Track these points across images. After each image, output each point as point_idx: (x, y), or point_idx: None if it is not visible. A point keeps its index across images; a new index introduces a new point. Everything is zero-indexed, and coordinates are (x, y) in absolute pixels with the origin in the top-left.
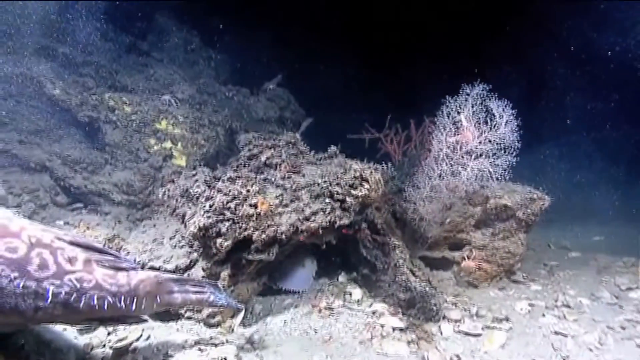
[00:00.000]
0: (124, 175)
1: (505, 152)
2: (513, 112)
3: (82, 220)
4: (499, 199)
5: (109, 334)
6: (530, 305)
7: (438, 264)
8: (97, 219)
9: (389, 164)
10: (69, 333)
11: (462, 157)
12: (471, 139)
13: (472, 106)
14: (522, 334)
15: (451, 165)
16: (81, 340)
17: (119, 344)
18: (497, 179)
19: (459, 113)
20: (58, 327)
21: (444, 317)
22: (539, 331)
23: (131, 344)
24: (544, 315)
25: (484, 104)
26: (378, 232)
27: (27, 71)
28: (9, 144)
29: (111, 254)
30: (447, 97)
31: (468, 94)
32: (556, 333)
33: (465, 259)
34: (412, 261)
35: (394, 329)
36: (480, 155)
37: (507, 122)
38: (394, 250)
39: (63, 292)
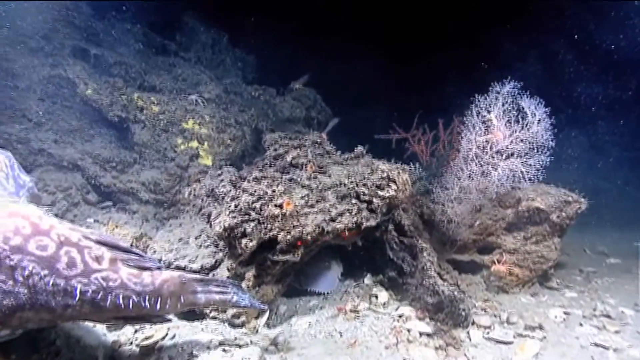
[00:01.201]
0: (151, 174)
1: (538, 151)
2: (546, 110)
3: (111, 218)
4: (532, 201)
5: (135, 331)
6: (566, 313)
7: (467, 268)
8: (125, 218)
9: (417, 165)
10: (98, 330)
11: (493, 157)
12: (502, 138)
13: (503, 104)
14: (557, 344)
15: (481, 166)
16: (109, 337)
17: (146, 342)
18: (530, 179)
19: (489, 112)
20: (87, 324)
21: (473, 323)
22: (576, 342)
23: (157, 342)
24: (581, 324)
25: (515, 101)
26: (405, 234)
27: (62, 72)
28: (45, 143)
29: (136, 253)
30: (477, 95)
31: (498, 92)
32: (596, 345)
33: (495, 263)
34: (439, 264)
35: (421, 333)
36: (512, 154)
37: (540, 120)
38: (421, 252)
39: (90, 291)
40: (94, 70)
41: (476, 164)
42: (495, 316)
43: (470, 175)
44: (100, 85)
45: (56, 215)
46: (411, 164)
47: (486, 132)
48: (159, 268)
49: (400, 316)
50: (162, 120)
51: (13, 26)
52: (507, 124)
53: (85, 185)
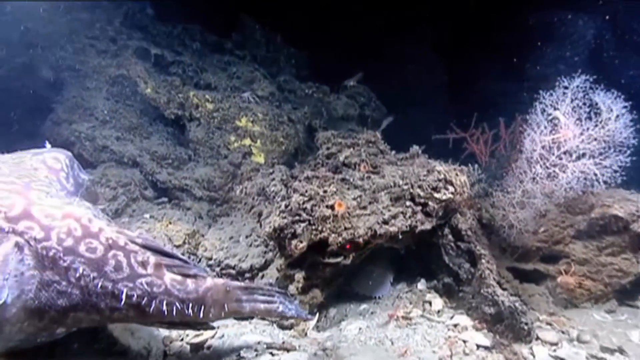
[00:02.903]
0: (205, 171)
1: (615, 151)
2: (625, 104)
3: (165, 214)
4: (607, 207)
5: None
6: None
7: (529, 277)
8: (178, 214)
9: (475, 166)
10: None
11: (560, 158)
12: (571, 137)
13: (572, 100)
14: None
15: (547, 168)
16: (161, 332)
17: (195, 340)
18: (605, 182)
19: (555, 109)
20: None
21: (537, 338)
22: None
23: (206, 340)
24: None
25: (586, 97)
26: (462, 238)
27: (125, 72)
28: (108, 140)
29: (180, 259)
30: (541, 92)
31: (566, 87)
32: None
33: (562, 274)
34: (499, 272)
35: (478, 346)
36: (583, 155)
37: (617, 116)
38: (479, 259)
39: (135, 295)
40: (153, 69)
41: (541, 166)
42: (563, 332)
43: (534, 178)
44: (159, 84)
45: (116, 210)
46: (469, 164)
47: (553, 131)
48: (203, 276)
49: (455, 325)
50: (216, 118)
51: (90, 30)
52: (578, 122)
53: (143, 181)
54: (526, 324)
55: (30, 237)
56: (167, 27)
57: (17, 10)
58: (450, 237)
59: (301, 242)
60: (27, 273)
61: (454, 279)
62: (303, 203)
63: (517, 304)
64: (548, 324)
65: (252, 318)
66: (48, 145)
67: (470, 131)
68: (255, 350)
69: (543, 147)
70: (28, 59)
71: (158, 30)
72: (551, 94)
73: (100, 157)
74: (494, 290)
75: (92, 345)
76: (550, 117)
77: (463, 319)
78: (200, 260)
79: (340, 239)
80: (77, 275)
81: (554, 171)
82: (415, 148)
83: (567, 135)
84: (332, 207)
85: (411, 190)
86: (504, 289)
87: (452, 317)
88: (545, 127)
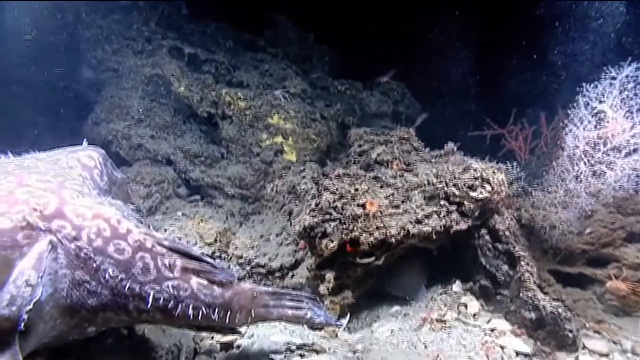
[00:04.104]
0: (237, 169)
1: None
2: None
3: (198, 212)
4: None
5: None
6: None
7: (573, 281)
8: (210, 212)
9: (514, 163)
10: None
11: (607, 155)
12: (620, 132)
13: (621, 91)
14: None
15: (592, 165)
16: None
17: (225, 339)
18: None
19: (601, 102)
20: None
21: (583, 347)
22: None
23: (236, 339)
24: None
25: (637, 87)
26: (500, 239)
27: (160, 72)
28: (143, 139)
29: (208, 263)
30: (584, 85)
31: (614, 77)
32: None
33: (612, 278)
34: (540, 275)
35: (517, 353)
36: (634, 151)
37: None
38: (518, 261)
39: (162, 298)
40: (187, 68)
41: (585, 164)
42: (614, 343)
43: (577, 177)
44: (192, 82)
45: (150, 208)
46: (508, 162)
47: (598, 126)
48: (230, 280)
49: (492, 330)
50: (248, 116)
51: (128, 31)
52: (628, 115)
53: (176, 179)
54: (571, 331)
55: (62, 236)
56: (200, 26)
57: (66, 13)
58: (487, 237)
59: (332, 241)
60: (60, 271)
61: (491, 281)
62: (334, 201)
63: (560, 310)
64: (596, 332)
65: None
66: (85, 143)
67: (509, 127)
68: (285, 351)
69: (587, 144)
70: (72, 60)
71: (192, 30)
72: (596, 86)
73: (136, 155)
74: (535, 294)
75: (125, 342)
76: (594, 111)
77: (501, 324)
78: (230, 258)
79: (371, 238)
80: (106, 276)
81: (600, 169)
82: (450, 145)
83: (616, 129)
84: (363, 206)
85: (446, 188)
86: (546, 293)
87: (489, 321)
88: (589, 122)
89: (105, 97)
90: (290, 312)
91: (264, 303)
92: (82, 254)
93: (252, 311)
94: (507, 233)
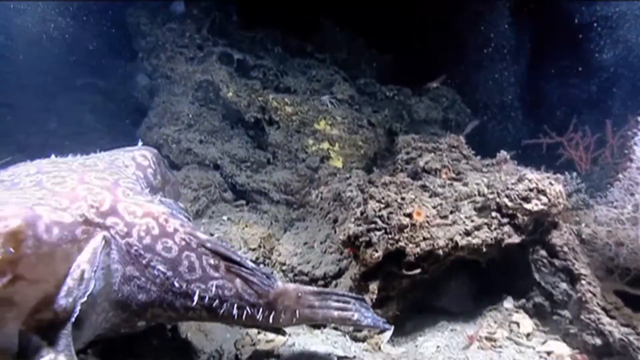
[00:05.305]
0: (282, 175)
1: None
2: None
3: (242, 217)
4: None
5: (258, 332)
6: None
7: None
8: (255, 217)
9: (573, 174)
10: (223, 326)
11: None
12: None
13: None
14: None
15: None
16: (234, 335)
17: (266, 347)
18: None
19: None
20: None
21: None
22: None
23: (277, 347)
24: None
25: None
26: (557, 255)
27: (209, 78)
28: (192, 143)
29: (249, 268)
30: None
31: None
32: None
33: None
34: (604, 296)
35: None
36: None
37: None
38: (578, 279)
39: (207, 297)
40: (236, 73)
41: None
42: None
43: None
44: (240, 88)
45: (197, 212)
46: (566, 172)
47: None
48: (271, 285)
49: (549, 353)
50: (295, 121)
51: (181, 38)
52: None
53: (223, 183)
54: None
55: (115, 232)
56: (250, 33)
57: (126, 25)
58: (542, 252)
59: (376, 251)
60: (112, 266)
61: (547, 299)
62: (379, 210)
63: (631, 338)
64: None
65: (324, 327)
66: (140, 143)
67: (568, 135)
68: None
69: None
70: (130, 68)
71: (241, 36)
72: None
73: (185, 160)
74: (599, 318)
75: (169, 344)
76: None
77: (558, 346)
78: (274, 265)
79: (418, 249)
80: (155, 272)
81: None
82: (502, 153)
83: None
84: (410, 216)
85: (497, 199)
86: (612, 317)
87: (544, 343)
88: None
89: (158, 102)
90: (336, 313)
91: (309, 304)
92: (132, 251)
93: (297, 312)
94: (565, 249)
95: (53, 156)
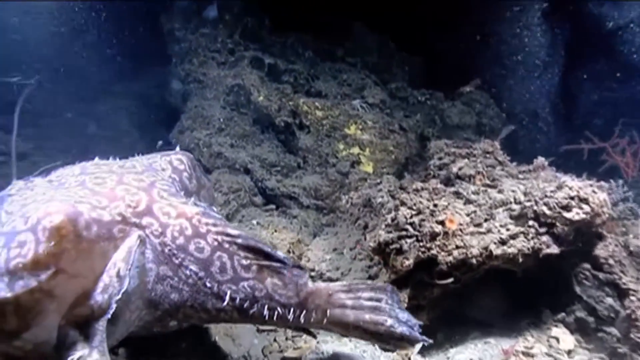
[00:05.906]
0: (312, 180)
1: None
2: None
3: (272, 222)
4: None
5: (286, 339)
6: None
7: None
8: (284, 222)
9: (619, 181)
10: (250, 332)
11: None
12: None
13: None
14: None
15: None
16: (261, 340)
17: (293, 354)
18: None
19: None
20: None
21: None
22: None
23: (304, 354)
24: None
25: None
26: (601, 267)
27: (241, 82)
28: (223, 147)
29: (280, 261)
30: None
31: None
32: None
33: None
34: None
35: None
36: None
37: None
38: (626, 295)
39: (238, 298)
40: (267, 78)
41: None
42: None
43: None
44: (271, 92)
45: (227, 216)
46: (611, 180)
47: None
48: (302, 278)
49: None
50: (325, 126)
51: (213, 43)
52: None
53: (252, 187)
54: None
55: (150, 232)
56: (281, 38)
57: (161, 32)
58: (584, 264)
59: (407, 259)
60: (147, 265)
61: (590, 314)
62: (411, 217)
63: None
64: None
65: None
66: (177, 148)
67: (613, 141)
68: None
69: None
70: (164, 73)
71: (273, 41)
72: None
73: (215, 163)
74: None
75: (198, 347)
76: None
77: None
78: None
79: (450, 258)
80: (187, 272)
81: None
82: (540, 159)
83: None
84: (442, 223)
85: (535, 207)
86: None
87: None
88: None
89: (190, 107)
90: (368, 316)
91: (340, 303)
92: (166, 250)
93: (328, 311)
94: (610, 261)
95: (97, 159)
